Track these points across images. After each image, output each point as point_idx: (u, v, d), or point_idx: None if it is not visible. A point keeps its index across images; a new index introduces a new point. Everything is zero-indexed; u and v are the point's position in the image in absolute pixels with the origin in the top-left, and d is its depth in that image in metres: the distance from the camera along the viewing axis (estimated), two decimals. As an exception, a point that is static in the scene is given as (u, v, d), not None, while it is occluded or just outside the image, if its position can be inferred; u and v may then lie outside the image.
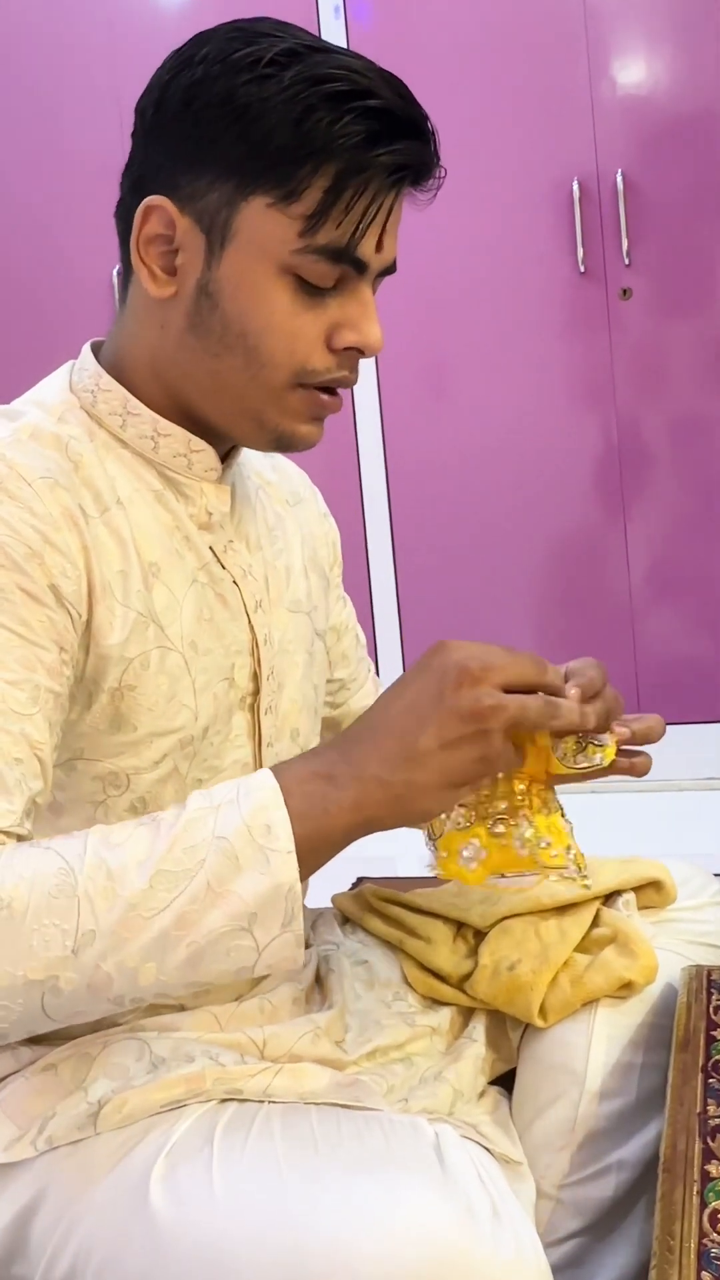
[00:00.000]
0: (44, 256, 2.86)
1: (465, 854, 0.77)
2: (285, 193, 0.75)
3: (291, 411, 0.82)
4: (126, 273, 0.85)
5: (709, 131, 2.38)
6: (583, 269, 2.46)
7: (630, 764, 0.82)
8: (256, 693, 0.89)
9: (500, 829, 0.76)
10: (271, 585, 0.92)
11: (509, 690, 0.71)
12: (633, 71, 2.43)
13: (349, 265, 0.78)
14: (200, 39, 0.78)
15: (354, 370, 0.82)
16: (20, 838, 0.71)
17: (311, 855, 0.70)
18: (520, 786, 0.77)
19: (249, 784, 0.71)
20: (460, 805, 0.78)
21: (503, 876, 0.78)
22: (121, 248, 0.84)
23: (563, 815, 0.79)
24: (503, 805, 0.77)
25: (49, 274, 2.86)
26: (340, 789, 0.70)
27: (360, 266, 0.79)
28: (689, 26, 2.37)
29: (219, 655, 0.86)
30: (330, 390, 0.82)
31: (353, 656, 1.12)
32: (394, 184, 0.77)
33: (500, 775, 0.78)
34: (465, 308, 2.51)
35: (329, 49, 0.76)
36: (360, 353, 0.81)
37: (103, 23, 2.76)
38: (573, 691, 0.75)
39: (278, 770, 0.72)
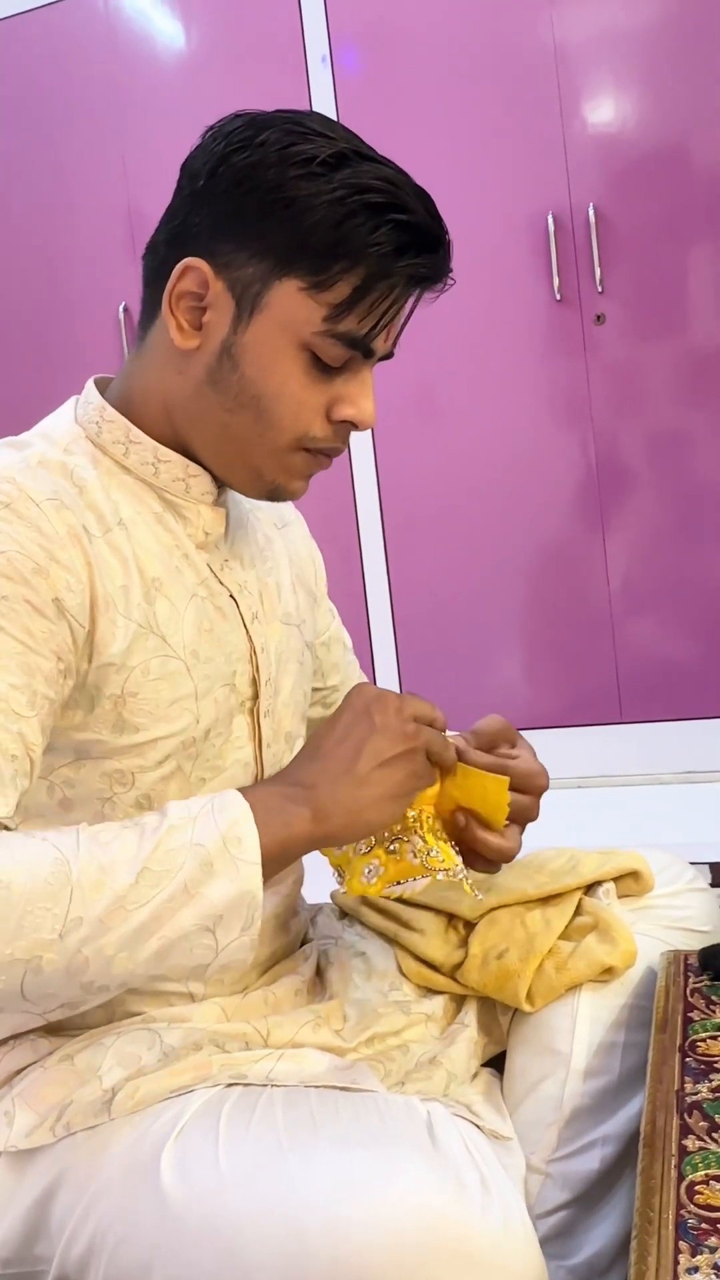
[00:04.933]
0: (50, 294, 2.87)
1: (366, 871, 0.84)
2: (318, 282, 0.78)
3: (288, 469, 0.85)
4: (147, 313, 0.87)
5: (674, 166, 2.39)
6: (559, 297, 2.47)
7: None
8: (256, 697, 0.90)
9: (394, 847, 0.84)
10: (265, 599, 0.93)
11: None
12: (602, 111, 2.44)
13: (359, 351, 0.82)
14: (258, 123, 0.79)
15: (345, 441, 0.86)
16: (8, 830, 0.72)
17: (271, 866, 0.74)
18: (413, 813, 0.85)
19: (222, 800, 0.74)
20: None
21: (398, 884, 0.85)
22: (146, 287, 0.86)
23: (450, 845, 0.87)
24: (398, 828, 0.85)
25: (55, 311, 2.87)
26: (300, 811, 0.76)
27: (369, 354, 0.83)
28: (654, 68, 2.39)
29: (220, 663, 0.87)
30: (323, 454, 0.85)
31: (343, 663, 1.13)
32: (412, 290, 0.82)
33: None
34: (450, 335, 2.51)
35: (373, 157, 0.79)
36: (354, 426, 0.84)
37: (107, 67, 2.77)
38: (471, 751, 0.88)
39: (245, 793, 0.76)
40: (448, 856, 0.85)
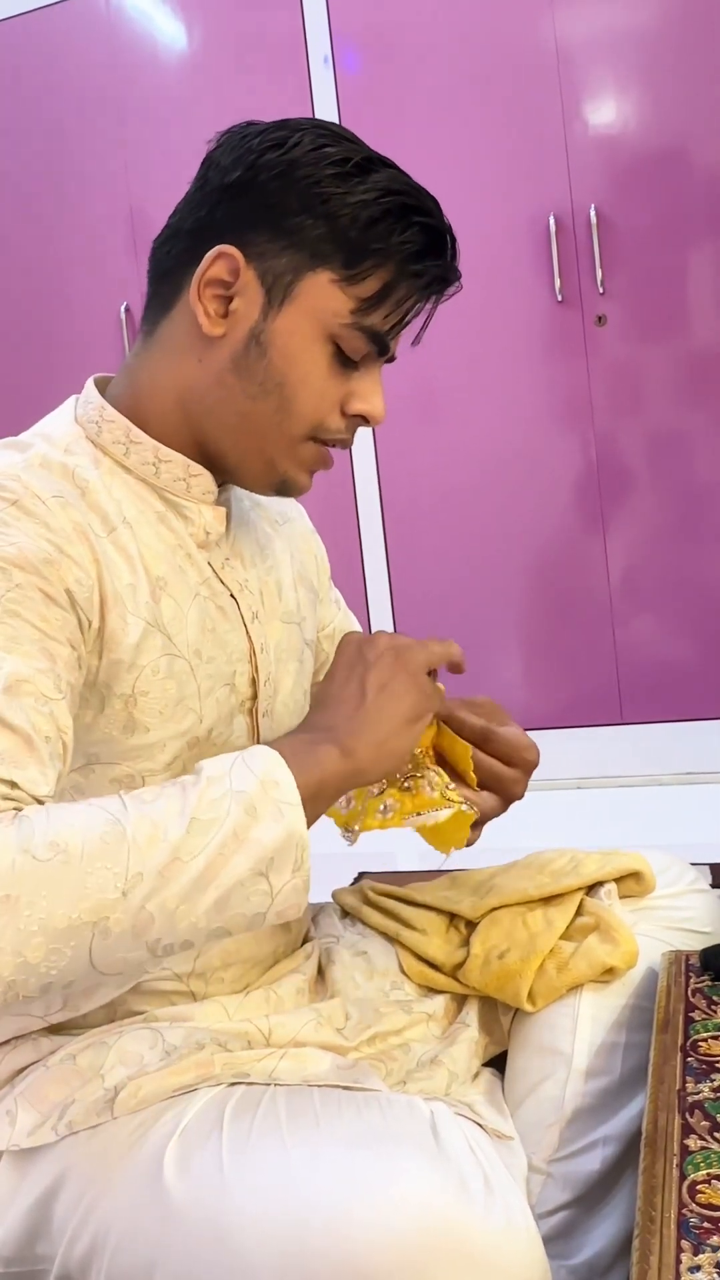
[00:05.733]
0: (51, 295, 2.87)
1: (380, 809, 0.86)
2: (350, 275, 0.82)
3: (299, 460, 0.87)
4: (157, 305, 0.88)
5: (675, 167, 2.40)
6: (560, 298, 2.47)
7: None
8: (255, 697, 0.91)
9: (409, 783, 0.86)
10: (266, 599, 0.94)
11: None
12: (603, 112, 2.44)
13: (377, 347, 0.85)
14: (290, 126, 0.83)
15: (353, 435, 0.89)
16: None
17: (311, 808, 0.73)
18: (418, 750, 0.86)
19: (250, 752, 0.73)
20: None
21: (418, 815, 0.86)
22: (159, 279, 0.87)
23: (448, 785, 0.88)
24: (409, 767, 0.86)
25: (56, 311, 2.87)
26: (328, 749, 0.76)
27: (384, 350, 0.86)
28: (655, 69, 2.39)
29: (221, 663, 0.87)
30: (332, 446, 0.88)
31: None
32: (431, 292, 0.86)
33: None
34: (452, 336, 2.51)
35: (392, 166, 0.84)
36: (364, 421, 0.87)
37: (108, 68, 2.77)
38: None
39: (270, 744, 0.75)
40: (455, 795, 0.86)
